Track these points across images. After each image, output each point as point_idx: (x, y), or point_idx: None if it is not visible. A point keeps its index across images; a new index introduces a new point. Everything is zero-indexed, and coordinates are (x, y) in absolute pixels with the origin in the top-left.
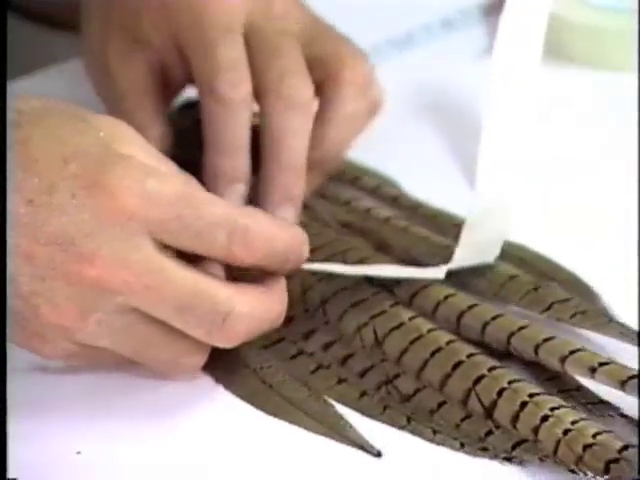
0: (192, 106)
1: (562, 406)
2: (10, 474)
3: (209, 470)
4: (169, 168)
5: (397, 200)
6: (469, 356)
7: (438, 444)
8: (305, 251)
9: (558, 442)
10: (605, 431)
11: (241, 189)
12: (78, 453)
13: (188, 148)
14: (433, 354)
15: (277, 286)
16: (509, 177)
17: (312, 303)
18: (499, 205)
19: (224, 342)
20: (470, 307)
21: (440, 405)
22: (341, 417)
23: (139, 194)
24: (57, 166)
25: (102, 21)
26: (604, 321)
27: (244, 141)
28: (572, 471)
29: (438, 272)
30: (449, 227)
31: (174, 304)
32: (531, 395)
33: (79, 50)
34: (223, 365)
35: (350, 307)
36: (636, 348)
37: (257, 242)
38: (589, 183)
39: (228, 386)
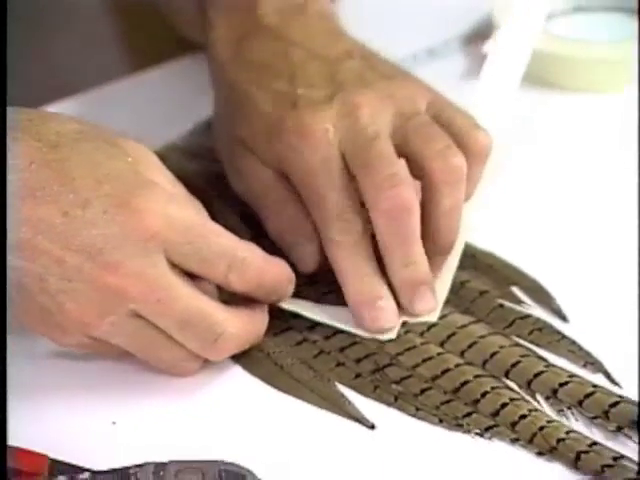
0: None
1: (572, 431)
2: (49, 444)
3: (230, 439)
4: (184, 194)
5: None
6: (476, 377)
7: (419, 419)
8: (290, 288)
9: (559, 441)
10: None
11: (389, 305)
12: (113, 423)
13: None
14: (444, 372)
15: (260, 310)
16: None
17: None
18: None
19: (213, 356)
20: (461, 327)
21: (423, 391)
22: (341, 394)
23: (162, 217)
24: (92, 185)
25: (227, 132)
26: (557, 338)
27: (370, 267)
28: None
29: (390, 332)
30: None
31: (178, 319)
32: (530, 410)
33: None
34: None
35: (350, 345)
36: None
37: (250, 274)
38: (559, 199)
39: (246, 367)
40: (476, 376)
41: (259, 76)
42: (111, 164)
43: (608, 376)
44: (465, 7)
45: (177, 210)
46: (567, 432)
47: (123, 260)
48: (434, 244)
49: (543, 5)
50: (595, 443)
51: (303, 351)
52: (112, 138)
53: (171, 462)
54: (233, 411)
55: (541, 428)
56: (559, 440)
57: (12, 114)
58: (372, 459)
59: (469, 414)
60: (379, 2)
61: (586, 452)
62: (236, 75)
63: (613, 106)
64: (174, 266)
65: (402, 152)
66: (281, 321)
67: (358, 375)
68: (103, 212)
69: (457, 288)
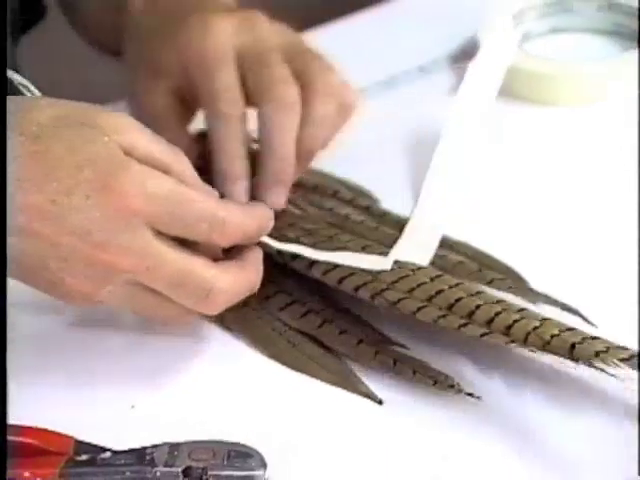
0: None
1: (566, 328)
2: (74, 426)
3: (249, 415)
4: (165, 146)
5: (369, 208)
6: (469, 295)
7: (416, 382)
8: (271, 224)
9: (552, 337)
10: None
11: (245, 185)
12: (132, 407)
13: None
14: (438, 292)
15: (253, 260)
16: (446, 199)
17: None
18: (433, 216)
19: (207, 311)
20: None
21: (419, 309)
22: (351, 371)
23: (140, 194)
24: (73, 172)
25: (135, 63)
26: (533, 294)
27: (242, 147)
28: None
29: (385, 263)
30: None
31: (169, 281)
32: (522, 316)
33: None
34: (254, 329)
35: (348, 275)
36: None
37: (231, 231)
38: (526, 197)
39: (258, 346)
40: (470, 295)
41: (171, 15)
42: (89, 148)
43: (585, 319)
44: (453, 29)
45: (155, 184)
46: (560, 329)
47: (110, 239)
48: (297, 150)
49: (516, 33)
50: (587, 337)
51: (308, 323)
52: (91, 116)
53: (184, 442)
54: (244, 393)
55: (534, 328)
56: (553, 336)
57: None
58: (374, 431)
59: (465, 325)
60: (374, 23)
61: (580, 343)
62: (149, 22)
63: (585, 119)
64: (160, 234)
65: (290, 68)
66: (285, 295)
67: (360, 341)
68: (86, 197)
69: (437, 260)
